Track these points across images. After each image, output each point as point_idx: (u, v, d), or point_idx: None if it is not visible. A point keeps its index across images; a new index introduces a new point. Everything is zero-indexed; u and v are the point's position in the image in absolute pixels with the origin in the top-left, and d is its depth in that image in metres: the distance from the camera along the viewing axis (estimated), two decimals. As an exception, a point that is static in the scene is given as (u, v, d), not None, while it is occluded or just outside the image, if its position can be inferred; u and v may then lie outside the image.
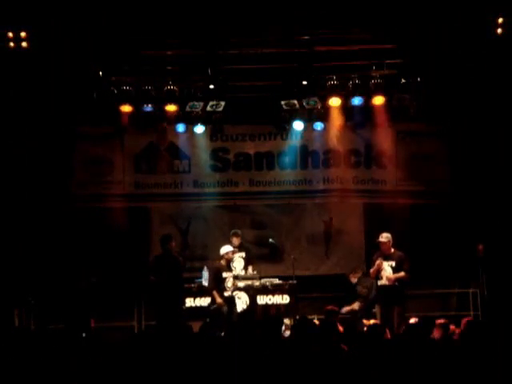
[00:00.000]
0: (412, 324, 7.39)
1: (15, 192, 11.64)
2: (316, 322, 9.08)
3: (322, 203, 13.12)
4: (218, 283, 11.10)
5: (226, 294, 11.08)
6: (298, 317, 10.63)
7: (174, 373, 5.62)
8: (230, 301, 11.01)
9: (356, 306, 11.40)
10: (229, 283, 11.12)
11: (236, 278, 11.27)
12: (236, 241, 11.59)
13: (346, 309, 11.33)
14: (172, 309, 10.74)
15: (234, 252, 11.26)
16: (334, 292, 11.91)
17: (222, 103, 11.87)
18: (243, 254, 11.57)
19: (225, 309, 10.93)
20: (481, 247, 11.78)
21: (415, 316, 8.88)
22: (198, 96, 11.78)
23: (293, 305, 11.31)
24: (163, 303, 10.75)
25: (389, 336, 7.27)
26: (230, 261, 11.25)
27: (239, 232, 11.73)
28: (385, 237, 10.61)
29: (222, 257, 11.30)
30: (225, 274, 11.18)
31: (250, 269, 11.52)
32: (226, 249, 11.28)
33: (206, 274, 11.25)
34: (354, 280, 11.64)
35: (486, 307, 11.78)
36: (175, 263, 10.99)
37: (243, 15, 10.44)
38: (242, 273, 11.45)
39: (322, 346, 5.96)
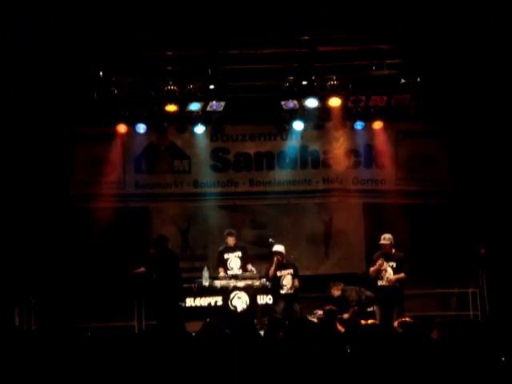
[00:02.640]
0: (408, 322, 7.34)
1: (15, 192, 11.64)
2: (315, 320, 9.08)
3: (321, 203, 13.12)
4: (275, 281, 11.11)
5: (283, 292, 11.11)
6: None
7: (174, 373, 5.62)
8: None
9: (346, 315, 10.83)
10: (284, 281, 11.13)
11: (235, 277, 11.26)
12: (231, 241, 11.57)
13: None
14: (171, 309, 10.75)
15: (279, 254, 11.17)
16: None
17: (222, 103, 11.88)
18: (239, 254, 11.56)
19: (280, 306, 10.93)
20: (483, 251, 11.78)
21: (414, 316, 8.88)
22: (198, 96, 11.77)
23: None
24: (162, 303, 10.76)
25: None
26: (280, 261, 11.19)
27: (233, 232, 11.69)
28: (387, 238, 10.60)
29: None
30: (279, 273, 11.15)
31: (249, 267, 11.51)
32: (275, 248, 11.25)
33: (205, 273, 11.24)
34: (336, 293, 11.29)
35: (486, 307, 11.78)
36: (173, 262, 11.01)
37: (243, 15, 10.45)
38: (239, 272, 11.45)
39: (322, 346, 5.97)
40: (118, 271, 12.12)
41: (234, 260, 11.51)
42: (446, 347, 6.32)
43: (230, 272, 11.43)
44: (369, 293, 11.10)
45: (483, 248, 11.83)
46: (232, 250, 11.59)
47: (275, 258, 11.19)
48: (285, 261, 11.24)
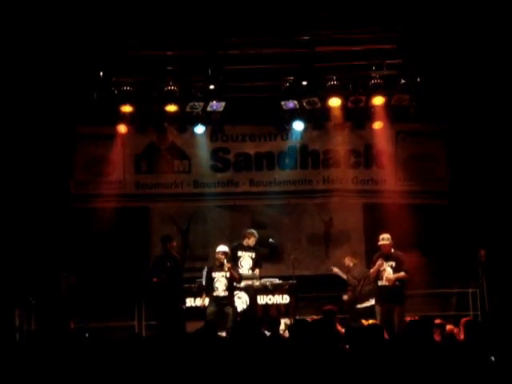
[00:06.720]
0: (413, 321, 7.35)
1: (15, 192, 11.65)
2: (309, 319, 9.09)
3: (322, 203, 13.14)
4: (208, 283, 10.91)
5: (215, 294, 10.82)
6: (297, 317, 10.67)
7: (174, 373, 5.63)
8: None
9: (346, 296, 11.56)
10: (216, 283, 10.87)
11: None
12: (252, 241, 11.51)
13: (344, 297, 11.61)
14: (172, 309, 10.77)
15: (224, 253, 10.92)
16: (333, 292, 11.91)
17: (222, 103, 11.88)
18: (253, 255, 11.56)
19: (211, 309, 10.75)
20: (483, 252, 11.79)
21: (415, 316, 8.89)
22: (198, 96, 11.78)
23: (293, 305, 11.33)
24: (163, 304, 10.78)
25: (387, 336, 7.28)
26: (220, 261, 10.91)
27: (255, 233, 11.63)
28: (386, 238, 10.65)
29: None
30: (214, 274, 10.93)
31: (257, 271, 11.52)
32: (219, 248, 11.01)
33: (206, 273, 11.25)
34: (348, 263, 11.67)
35: (486, 307, 11.79)
36: (175, 263, 11.04)
37: (243, 15, 10.45)
38: (249, 273, 11.43)
39: (321, 346, 5.97)
40: (118, 271, 12.16)
41: (246, 259, 11.50)
42: (446, 347, 6.33)
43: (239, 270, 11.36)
44: (367, 288, 11.23)
45: (483, 248, 11.83)
46: (247, 249, 11.58)
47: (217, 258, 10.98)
48: (225, 264, 10.86)
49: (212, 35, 10.89)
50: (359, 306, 11.30)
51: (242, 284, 11.25)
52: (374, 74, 11.48)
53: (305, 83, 11.63)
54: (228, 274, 10.84)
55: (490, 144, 12.09)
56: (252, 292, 11.30)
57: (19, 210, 11.67)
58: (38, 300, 11.13)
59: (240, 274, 11.10)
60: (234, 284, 10.96)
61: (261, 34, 10.87)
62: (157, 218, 13.05)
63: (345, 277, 11.74)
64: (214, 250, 11.22)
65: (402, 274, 10.52)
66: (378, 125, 12.37)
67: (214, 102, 11.83)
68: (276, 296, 11.38)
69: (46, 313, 11.14)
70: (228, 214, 13.16)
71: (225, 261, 10.81)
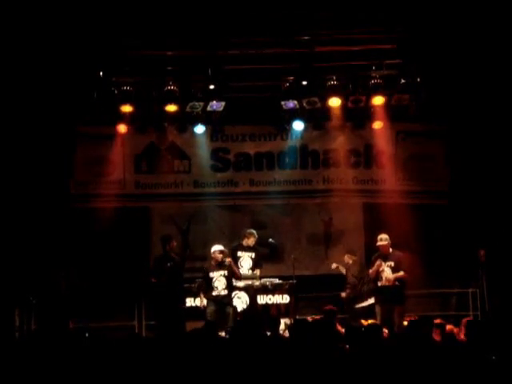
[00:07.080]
0: (414, 320, 7.37)
1: (15, 192, 11.65)
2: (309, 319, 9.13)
3: (321, 203, 13.14)
4: (207, 283, 10.92)
5: (214, 293, 10.85)
6: (297, 317, 10.67)
7: (174, 373, 5.63)
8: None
9: (344, 294, 11.62)
10: (215, 283, 10.86)
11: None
12: (251, 241, 11.55)
13: (342, 294, 11.66)
14: (172, 309, 10.77)
15: (221, 252, 10.96)
16: (333, 292, 11.92)
17: (222, 103, 11.89)
18: (253, 255, 11.59)
19: (211, 309, 10.77)
20: (482, 252, 11.80)
21: (415, 316, 8.89)
22: (198, 96, 11.78)
23: (293, 305, 11.34)
24: (163, 304, 10.78)
25: (386, 336, 7.29)
26: (218, 261, 10.90)
27: (254, 233, 11.67)
28: (384, 239, 10.68)
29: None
30: (211, 274, 10.94)
31: (257, 271, 11.54)
32: (214, 247, 11.03)
33: (203, 274, 11.23)
34: (348, 260, 11.75)
35: (486, 307, 11.80)
36: (175, 264, 11.04)
37: (243, 15, 10.46)
38: (249, 273, 11.45)
39: (321, 346, 5.98)
40: (118, 271, 12.16)
41: (246, 259, 11.53)
42: (446, 347, 6.33)
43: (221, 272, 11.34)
44: (367, 287, 11.24)
45: (483, 248, 11.84)
46: (246, 249, 11.62)
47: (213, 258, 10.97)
48: (226, 260, 10.91)
49: (212, 35, 10.90)
50: (359, 305, 11.34)
51: (242, 284, 11.26)
52: (373, 74, 11.49)
53: (305, 83, 11.64)
54: (227, 273, 10.86)
55: (489, 144, 12.10)
56: (252, 292, 11.32)
57: (19, 209, 11.67)
58: (38, 300, 11.15)
59: (239, 271, 11.14)
60: (234, 282, 10.97)
61: (261, 33, 10.87)
62: (157, 218, 13.06)
63: (344, 271, 11.76)
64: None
65: (401, 273, 10.53)
66: (377, 125, 12.40)
67: (214, 101, 11.84)
68: (276, 296, 11.40)
69: (45, 312, 11.16)
70: (228, 214, 13.17)
71: (225, 258, 10.83)
